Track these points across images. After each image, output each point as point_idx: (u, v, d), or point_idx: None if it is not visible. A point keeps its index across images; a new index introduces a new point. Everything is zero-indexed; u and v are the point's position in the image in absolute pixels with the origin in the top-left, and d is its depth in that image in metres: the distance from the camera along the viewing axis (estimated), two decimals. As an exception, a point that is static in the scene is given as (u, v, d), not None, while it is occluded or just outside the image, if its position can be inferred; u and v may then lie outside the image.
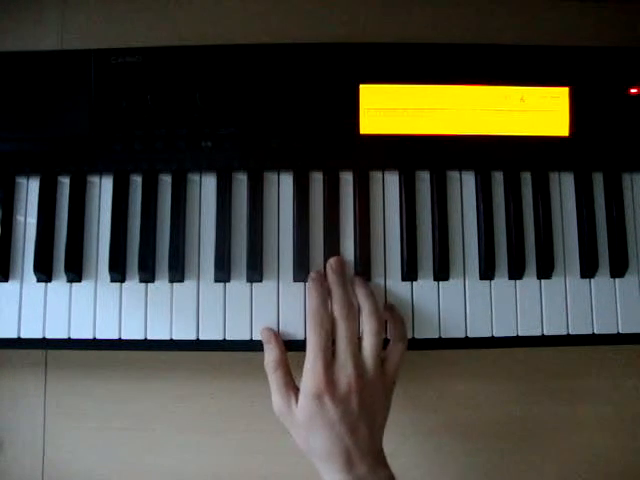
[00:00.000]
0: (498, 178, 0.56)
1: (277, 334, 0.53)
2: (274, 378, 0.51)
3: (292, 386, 0.51)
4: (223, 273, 0.53)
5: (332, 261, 0.53)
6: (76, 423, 0.58)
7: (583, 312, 0.54)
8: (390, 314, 0.53)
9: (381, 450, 0.50)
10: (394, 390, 0.52)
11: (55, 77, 0.55)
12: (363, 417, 0.49)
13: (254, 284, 0.54)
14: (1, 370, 0.59)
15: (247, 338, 0.53)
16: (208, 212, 0.55)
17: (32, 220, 0.55)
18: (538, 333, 0.54)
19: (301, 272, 0.53)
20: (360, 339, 0.51)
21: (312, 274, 0.53)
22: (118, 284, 0.54)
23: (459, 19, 0.63)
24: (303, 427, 0.50)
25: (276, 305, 0.54)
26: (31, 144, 0.55)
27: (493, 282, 0.55)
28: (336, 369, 0.50)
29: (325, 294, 0.52)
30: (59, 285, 0.54)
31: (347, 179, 0.56)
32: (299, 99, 0.55)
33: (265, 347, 0.52)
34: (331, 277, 0.52)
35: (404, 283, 0.54)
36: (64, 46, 0.61)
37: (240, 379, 0.58)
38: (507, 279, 0.55)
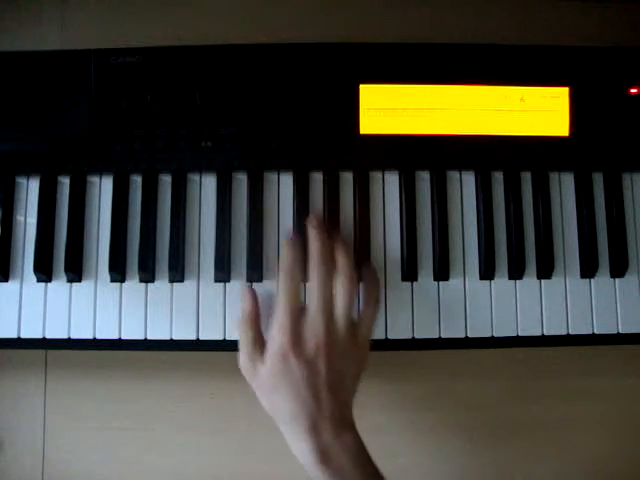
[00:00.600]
0: (498, 178, 0.56)
1: (253, 290, 0.52)
2: (243, 335, 0.50)
3: (260, 344, 0.49)
4: (223, 273, 0.53)
5: (312, 217, 0.52)
6: (76, 423, 0.58)
7: (583, 312, 0.54)
8: (367, 275, 0.52)
9: (349, 417, 0.48)
10: (368, 356, 0.50)
11: (55, 77, 0.55)
12: (330, 381, 0.47)
13: (254, 284, 0.54)
14: (1, 370, 0.59)
15: (247, 338, 0.53)
16: (208, 212, 0.55)
17: (32, 220, 0.54)
18: (538, 333, 0.54)
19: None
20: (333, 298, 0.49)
21: (292, 235, 0.52)
22: (118, 284, 0.54)
23: (459, 19, 0.63)
24: (267, 387, 0.48)
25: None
26: (31, 144, 0.55)
27: (493, 282, 0.55)
28: (305, 327, 0.48)
29: (301, 251, 0.51)
30: (59, 285, 0.54)
31: (347, 179, 0.55)
32: (299, 99, 0.55)
33: (242, 303, 0.52)
34: (311, 233, 0.51)
35: (404, 283, 0.54)
36: (64, 46, 0.61)
37: (240, 379, 0.58)
38: (507, 279, 0.55)
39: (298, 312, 0.49)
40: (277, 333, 0.48)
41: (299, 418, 0.47)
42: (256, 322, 0.51)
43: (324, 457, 0.46)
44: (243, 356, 0.50)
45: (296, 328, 0.48)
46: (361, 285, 0.52)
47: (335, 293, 0.49)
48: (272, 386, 0.48)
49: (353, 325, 0.50)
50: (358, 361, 0.50)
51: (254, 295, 0.52)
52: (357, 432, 0.48)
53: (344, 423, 0.47)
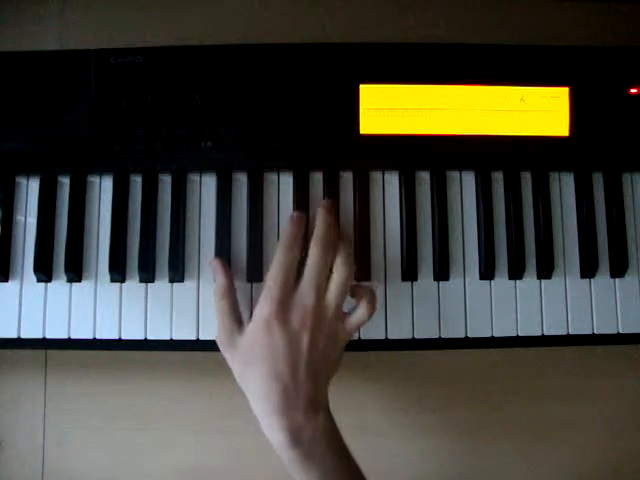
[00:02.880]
0: (498, 178, 0.56)
1: (226, 264, 0.52)
2: (219, 307, 0.50)
3: (237, 316, 0.49)
4: (223, 273, 0.53)
5: (325, 201, 0.53)
6: (76, 423, 0.58)
7: (583, 312, 0.54)
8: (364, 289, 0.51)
9: (324, 401, 0.47)
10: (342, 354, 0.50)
11: (55, 77, 0.55)
12: (310, 359, 0.46)
13: (254, 284, 0.54)
14: (1, 370, 0.59)
15: (247, 338, 0.53)
16: (208, 212, 0.55)
17: (32, 220, 0.54)
18: (538, 333, 0.54)
19: (301, 272, 0.53)
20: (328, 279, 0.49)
21: (297, 213, 0.52)
22: (118, 284, 0.54)
23: (459, 19, 0.63)
24: (244, 359, 0.47)
25: (276, 305, 0.53)
26: (31, 144, 0.55)
27: (493, 282, 0.55)
28: (295, 297, 0.47)
29: (304, 229, 0.51)
30: (59, 285, 0.54)
31: (347, 179, 0.55)
32: (299, 99, 0.55)
33: (215, 277, 0.52)
34: (320, 213, 0.52)
35: (404, 283, 0.54)
36: (64, 46, 0.61)
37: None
38: (507, 279, 0.55)
39: (289, 284, 0.48)
40: (264, 301, 0.48)
41: (272, 393, 0.45)
42: (232, 293, 0.50)
43: (296, 438, 0.45)
44: (220, 327, 0.49)
45: (285, 299, 0.47)
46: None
47: (330, 276, 0.49)
48: (249, 357, 0.47)
49: (343, 313, 0.49)
50: (340, 348, 0.49)
51: (227, 267, 0.52)
52: (332, 417, 0.47)
53: (318, 406, 0.46)
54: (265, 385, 0.46)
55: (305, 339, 0.46)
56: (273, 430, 0.46)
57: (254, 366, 0.47)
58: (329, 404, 0.48)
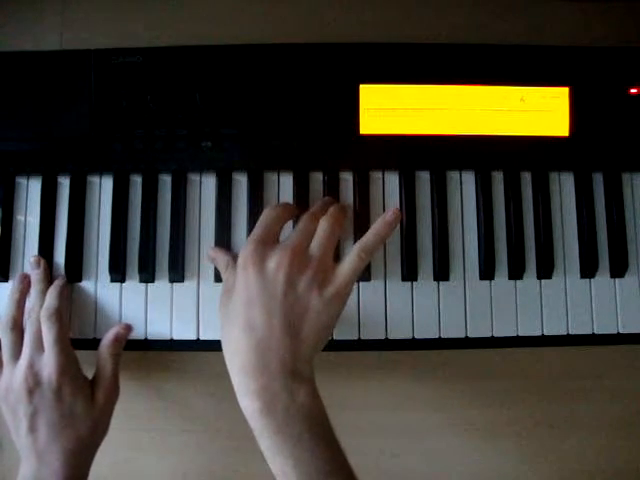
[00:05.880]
0: (498, 178, 0.56)
1: (221, 248, 0.52)
2: (225, 277, 0.50)
3: None
4: (223, 273, 0.53)
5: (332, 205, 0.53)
6: (76, 423, 0.58)
7: (583, 312, 0.54)
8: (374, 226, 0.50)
9: (307, 371, 0.42)
10: (342, 306, 0.46)
11: (55, 77, 0.55)
12: (286, 307, 0.42)
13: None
14: (1, 370, 0.59)
15: (247, 338, 0.53)
16: (208, 212, 0.55)
17: (32, 220, 0.55)
18: (538, 333, 0.54)
19: (301, 272, 0.53)
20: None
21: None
22: (118, 284, 0.54)
23: (459, 19, 0.62)
24: (229, 314, 0.45)
25: (276, 305, 0.53)
26: (31, 144, 0.55)
27: (493, 282, 0.55)
28: (276, 247, 0.46)
29: (295, 211, 0.52)
30: (59, 285, 0.54)
31: (347, 179, 0.55)
32: (299, 99, 0.55)
33: (215, 263, 0.52)
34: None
35: (404, 283, 0.54)
36: (64, 46, 0.61)
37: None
38: (507, 279, 0.55)
39: (269, 232, 0.48)
40: (244, 247, 0.47)
41: (246, 348, 0.42)
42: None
43: (267, 406, 0.40)
44: (223, 292, 0.49)
45: (262, 243, 0.46)
46: None
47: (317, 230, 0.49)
48: (230, 315, 0.45)
49: (330, 263, 0.47)
50: (331, 300, 0.44)
51: (224, 249, 0.52)
52: (318, 397, 0.42)
53: (299, 375, 0.41)
54: (240, 339, 0.43)
55: (281, 279, 0.43)
56: (244, 393, 0.42)
57: (234, 321, 0.44)
58: (314, 382, 0.43)
